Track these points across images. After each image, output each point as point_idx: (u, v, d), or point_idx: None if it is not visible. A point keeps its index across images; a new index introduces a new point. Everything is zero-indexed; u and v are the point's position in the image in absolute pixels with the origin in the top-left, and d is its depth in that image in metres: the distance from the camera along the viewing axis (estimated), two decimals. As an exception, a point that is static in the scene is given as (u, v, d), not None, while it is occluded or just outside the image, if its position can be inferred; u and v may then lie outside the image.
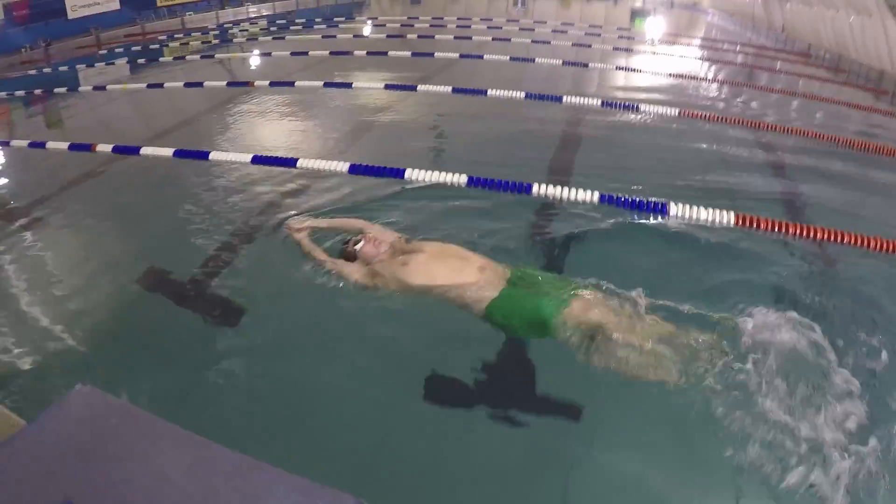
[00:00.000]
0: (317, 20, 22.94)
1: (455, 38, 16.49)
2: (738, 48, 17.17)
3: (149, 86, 11.41)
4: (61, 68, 14.69)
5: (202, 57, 15.51)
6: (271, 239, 4.80)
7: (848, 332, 3.44)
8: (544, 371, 3.38)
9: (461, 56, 12.95)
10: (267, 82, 10.77)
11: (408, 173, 5.84)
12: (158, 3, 23.77)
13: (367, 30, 20.35)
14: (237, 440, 1.82)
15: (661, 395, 3.03)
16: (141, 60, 14.77)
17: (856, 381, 2.99)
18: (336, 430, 3.04)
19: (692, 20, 25.36)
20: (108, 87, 11.45)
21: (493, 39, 16.43)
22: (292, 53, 14.42)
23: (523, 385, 3.32)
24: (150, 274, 4.51)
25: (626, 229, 4.93)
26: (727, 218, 5.01)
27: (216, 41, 18.18)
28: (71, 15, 19.22)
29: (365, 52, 14.14)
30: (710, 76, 12.69)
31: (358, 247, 4.14)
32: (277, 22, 23.05)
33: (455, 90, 9.38)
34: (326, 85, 10.45)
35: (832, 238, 4.77)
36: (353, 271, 4.06)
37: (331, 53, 14.11)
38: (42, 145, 7.62)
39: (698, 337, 3.30)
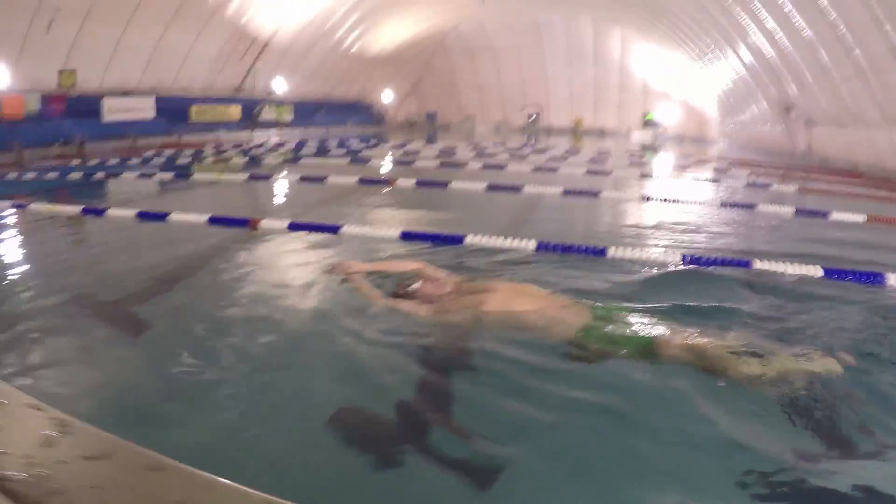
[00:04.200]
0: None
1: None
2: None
3: (252, 177, 12.14)
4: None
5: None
6: (327, 284, 4.57)
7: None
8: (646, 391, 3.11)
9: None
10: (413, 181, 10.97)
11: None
12: (191, 119, 24.47)
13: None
14: None
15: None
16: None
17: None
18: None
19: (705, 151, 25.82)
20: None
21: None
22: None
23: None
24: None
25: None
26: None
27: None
28: (106, 118, 19.59)
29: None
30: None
31: (414, 286, 3.97)
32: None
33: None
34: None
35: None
36: (417, 308, 3.86)
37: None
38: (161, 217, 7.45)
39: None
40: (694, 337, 3.34)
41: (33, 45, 17.59)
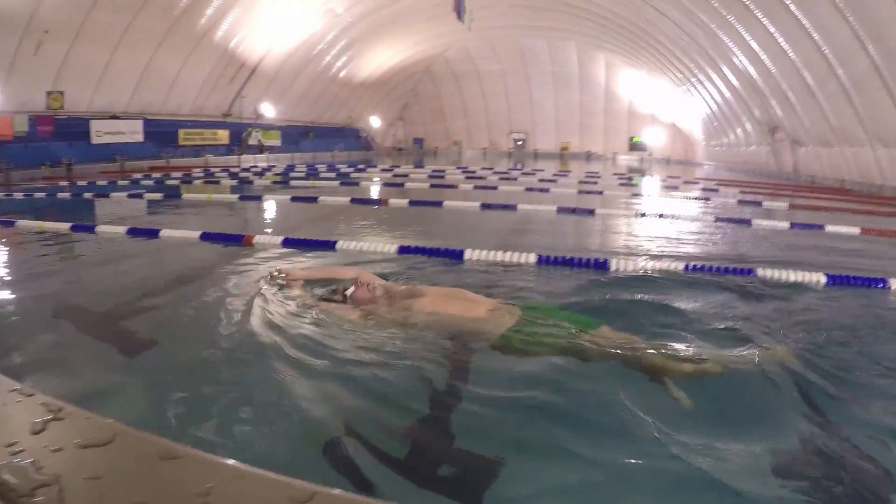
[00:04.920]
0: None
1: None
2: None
3: (242, 197, 12.49)
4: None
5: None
6: (265, 287, 4.64)
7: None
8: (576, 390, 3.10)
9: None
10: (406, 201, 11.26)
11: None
12: (180, 142, 24.36)
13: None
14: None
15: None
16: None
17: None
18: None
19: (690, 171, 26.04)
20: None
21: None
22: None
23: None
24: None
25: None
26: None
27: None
28: (94, 140, 19.42)
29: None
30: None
31: (348, 292, 4.06)
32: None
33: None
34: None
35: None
36: (347, 311, 3.95)
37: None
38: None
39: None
40: (623, 337, 3.46)
41: (22, 66, 17.47)
